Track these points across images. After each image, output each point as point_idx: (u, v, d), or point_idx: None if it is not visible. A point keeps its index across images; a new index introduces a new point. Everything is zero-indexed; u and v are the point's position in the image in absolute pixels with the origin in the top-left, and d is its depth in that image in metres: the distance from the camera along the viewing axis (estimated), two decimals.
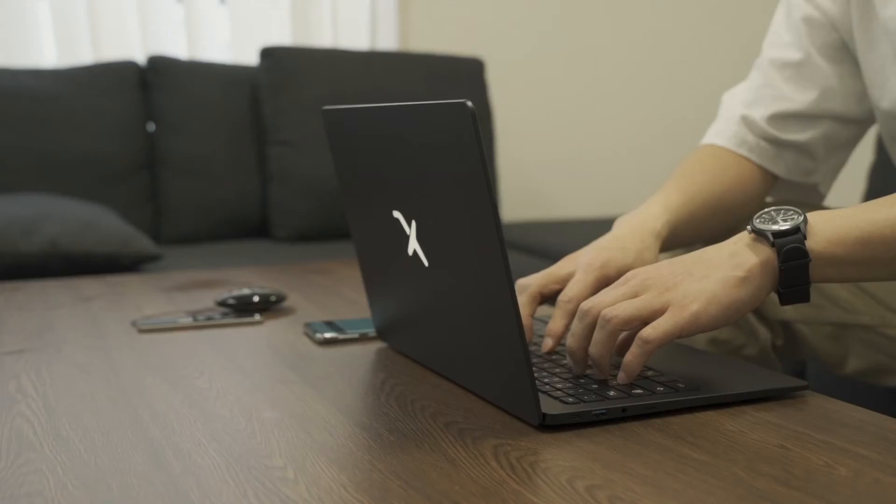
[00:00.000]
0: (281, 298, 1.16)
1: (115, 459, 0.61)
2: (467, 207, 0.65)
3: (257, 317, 1.09)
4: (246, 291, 1.14)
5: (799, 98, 1.07)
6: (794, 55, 1.07)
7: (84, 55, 2.50)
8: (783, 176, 1.10)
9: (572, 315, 0.81)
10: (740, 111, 1.10)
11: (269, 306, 1.14)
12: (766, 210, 0.77)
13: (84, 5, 2.48)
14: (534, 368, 0.78)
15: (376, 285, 0.92)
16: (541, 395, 0.70)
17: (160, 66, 2.37)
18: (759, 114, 1.08)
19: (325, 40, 2.79)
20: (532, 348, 0.86)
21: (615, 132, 3.20)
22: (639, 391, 0.71)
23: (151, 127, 2.38)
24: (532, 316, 0.88)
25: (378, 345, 0.95)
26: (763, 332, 1.07)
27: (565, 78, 3.13)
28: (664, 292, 0.74)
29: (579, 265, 0.89)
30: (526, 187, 3.08)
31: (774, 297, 1.06)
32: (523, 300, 0.88)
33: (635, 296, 0.74)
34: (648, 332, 0.71)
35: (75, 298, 1.24)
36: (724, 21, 3.25)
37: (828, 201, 1.17)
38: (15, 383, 0.81)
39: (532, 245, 2.36)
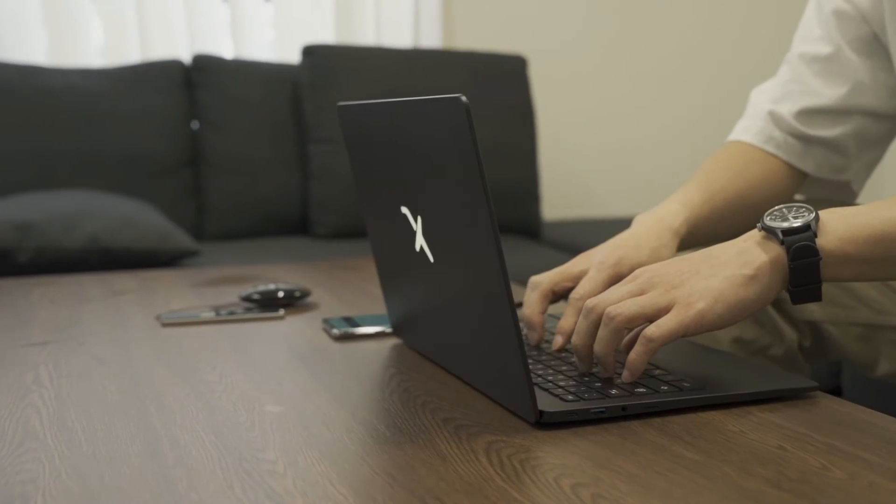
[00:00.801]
0: (305, 294, 1.16)
1: (113, 450, 0.62)
2: (464, 203, 0.65)
3: (280, 312, 1.09)
4: (270, 287, 1.15)
5: (828, 93, 1.04)
6: (824, 49, 1.04)
7: (132, 55, 2.54)
8: (812, 173, 1.08)
9: None
10: (767, 107, 1.08)
11: (293, 301, 1.15)
12: (777, 207, 0.76)
13: (132, 6, 2.53)
14: (540, 365, 0.77)
15: (390, 282, 0.92)
16: (542, 392, 0.70)
17: (204, 65, 2.40)
18: (787, 109, 1.06)
19: (369, 38, 2.80)
20: (543, 345, 0.85)
21: (659, 129, 3.16)
22: (642, 390, 0.70)
23: (196, 125, 2.41)
24: (543, 313, 0.87)
25: (393, 341, 0.95)
26: (789, 333, 1.05)
27: (608, 74, 3.10)
28: (670, 290, 0.72)
29: (593, 263, 0.88)
30: (568, 185, 3.06)
31: None
32: (535, 297, 0.87)
33: (641, 293, 0.73)
34: (652, 330, 0.70)
35: (107, 293, 1.27)
36: (769, 16, 3.19)
37: (864, 199, 1.15)
38: (33, 374, 0.83)
39: (574, 243, 2.35)
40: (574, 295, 0.84)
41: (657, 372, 0.75)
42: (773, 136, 1.06)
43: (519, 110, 2.61)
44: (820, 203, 1.01)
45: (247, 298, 1.14)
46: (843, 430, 0.64)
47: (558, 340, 0.81)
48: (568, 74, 3.05)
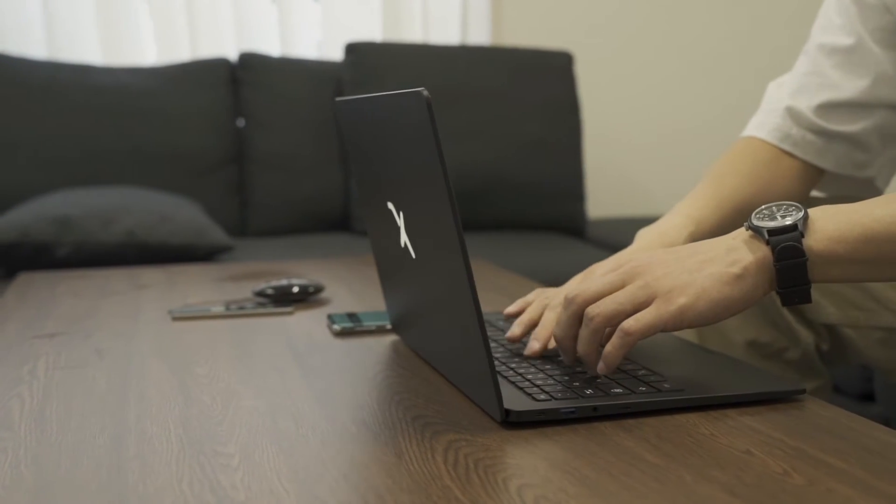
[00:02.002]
0: (319, 289, 1.17)
1: (79, 441, 0.63)
2: (430, 197, 0.64)
3: (289, 308, 1.10)
4: (283, 282, 1.16)
5: (849, 86, 1.01)
6: (845, 40, 1.01)
7: (182, 53, 2.59)
8: (832, 170, 1.04)
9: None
10: (785, 102, 1.04)
11: (306, 297, 1.15)
12: (766, 206, 0.73)
13: (183, 5, 2.57)
14: (525, 363, 0.76)
15: (386, 278, 0.92)
16: (515, 391, 0.69)
17: (250, 63, 2.43)
18: (806, 103, 1.03)
19: (416, 36, 2.81)
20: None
21: (706, 125, 3.09)
22: (618, 390, 0.69)
23: (241, 122, 2.44)
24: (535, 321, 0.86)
25: (392, 337, 0.94)
26: (805, 336, 1.01)
27: (655, 70, 3.05)
28: (651, 283, 0.70)
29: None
30: (613, 182, 3.02)
31: (819, 299, 1.01)
32: (534, 307, 0.85)
33: (622, 285, 0.71)
34: (630, 323, 0.68)
35: (131, 287, 1.29)
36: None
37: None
38: (31, 366, 0.84)
39: (619, 242, 2.31)
40: (552, 303, 0.82)
41: (641, 372, 0.74)
42: (789, 134, 1.03)
43: (564, 106, 2.58)
44: (825, 200, 0.98)
45: (260, 294, 1.15)
46: (818, 434, 0.62)
47: (534, 346, 0.79)
48: (614, 70, 3.00)
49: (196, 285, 1.29)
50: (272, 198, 2.40)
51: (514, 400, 0.66)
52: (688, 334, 1.07)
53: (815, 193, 1.08)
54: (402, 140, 0.68)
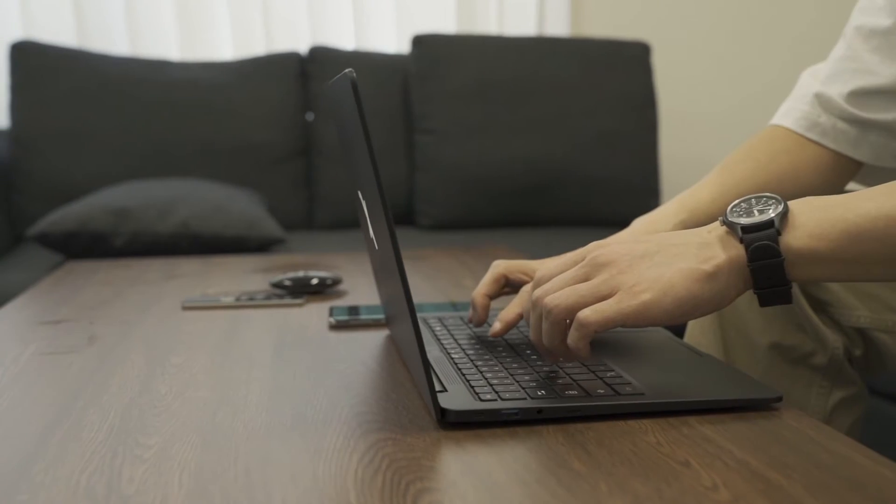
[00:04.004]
0: (336, 282, 1.15)
1: (14, 425, 0.63)
2: (367, 182, 0.62)
3: (300, 299, 1.09)
4: (301, 274, 1.15)
5: (886, 71, 0.93)
6: (885, 21, 0.93)
7: (257, 47, 2.62)
8: (869, 161, 0.96)
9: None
10: (814, 88, 0.97)
11: (323, 289, 1.14)
12: (745, 198, 0.68)
13: (258, 0, 2.61)
14: (491, 362, 0.73)
15: (374, 270, 0.89)
16: (466, 390, 0.65)
17: (320, 57, 2.44)
18: (837, 90, 0.95)
19: (491, 27, 2.77)
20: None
21: None
22: (573, 392, 0.64)
23: (310, 116, 2.45)
24: (489, 295, 0.83)
25: (386, 332, 0.92)
26: (834, 340, 0.94)
27: (734, 62, 2.92)
28: (616, 275, 0.65)
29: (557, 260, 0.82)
30: (689, 178, 2.90)
31: (849, 300, 0.94)
32: (486, 279, 0.83)
33: (587, 278, 0.67)
34: (587, 314, 0.63)
35: (163, 276, 1.30)
36: None
37: None
38: (18, 351, 0.85)
39: None
40: (523, 288, 0.78)
41: (609, 374, 0.69)
42: (818, 122, 0.96)
43: (640, 98, 2.50)
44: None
45: (277, 285, 1.14)
46: (772, 447, 0.56)
47: (496, 327, 0.77)
48: (693, 61, 2.90)
49: (226, 276, 1.30)
50: (338, 191, 2.41)
51: (457, 399, 0.63)
52: (711, 336, 1.01)
53: (852, 186, 1.00)
54: (347, 126, 0.65)
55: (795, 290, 0.93)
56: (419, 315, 0.93)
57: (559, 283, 0.68)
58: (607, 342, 0.80)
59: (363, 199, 0.73)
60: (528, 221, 2.38)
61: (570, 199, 2.41)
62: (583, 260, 0.69)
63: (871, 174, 0.99)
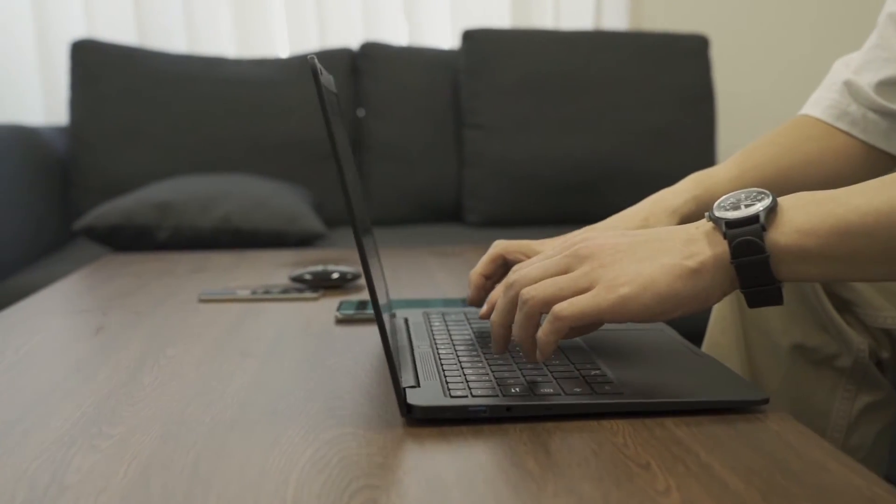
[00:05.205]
0: (357, 276, 1.15)
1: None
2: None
3: (315, 294, 1.08)
4: (320, 268, 1.15)
5: None
6: None
7: (311, 44, 2.64)
8: None
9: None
10: (844, 76, 0.92)
11: (343, 284, 1.14)
12: (735, 193, 0.65)
13: None
14: (474, 356, 0.71)
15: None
16: (439, 385, 0.63)
17: (370, 53, 2.44)
18: (867, 79, 0.90)
19: (547, 21, 2.74)
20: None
21: None
22: (549, 390, 0.62)
23: (361, 112, 2.45)
24: (485, 275, 0.81)
25: None
26: (859, 341, 0.89)
27: (797, 56, 2.82)
28: (597, 269, 0.63)
29: (555, 242, 0.80)
30: None
31: (876, 299, 0.89)
32: (483, 258, 0.81)
33: (567, 270, 0.64)
34: (563, 307, 0.61)
35: (192, 269, 1.31)
36: None
37: None
38: (23, 340, 0.86)
39: None
40: (514, 268, 0.76)
41: (594, 373, 0.66)
42: (847, 112, 0.91)
43: (697, 93, 2.44)
44: None
45: (297, 279, 1.14)
46: (743, 451, 0.53)
47: (484, 308, 0.75)
48: (753, 54, 2.81)
49: (254, 270, 1.30)
50: (387, 187, 2.41)
51: (426, 395, 0.61)
52: (733, 336, 0.97)
53: None
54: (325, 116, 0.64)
55: (817, 288, 0.88)
56: (426, 310, 0.92)
57: (538, 272, 0.65)
58: (604, 339, 0.77)
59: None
60: (577, 219, 2.34)
61: (621, 196, 2.35)
62: (562, 252, 0.66)
63: None
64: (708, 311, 0.99)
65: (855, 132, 0.91)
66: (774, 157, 0.88)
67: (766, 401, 0.61)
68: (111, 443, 0.57)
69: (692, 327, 1.00)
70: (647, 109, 2.39)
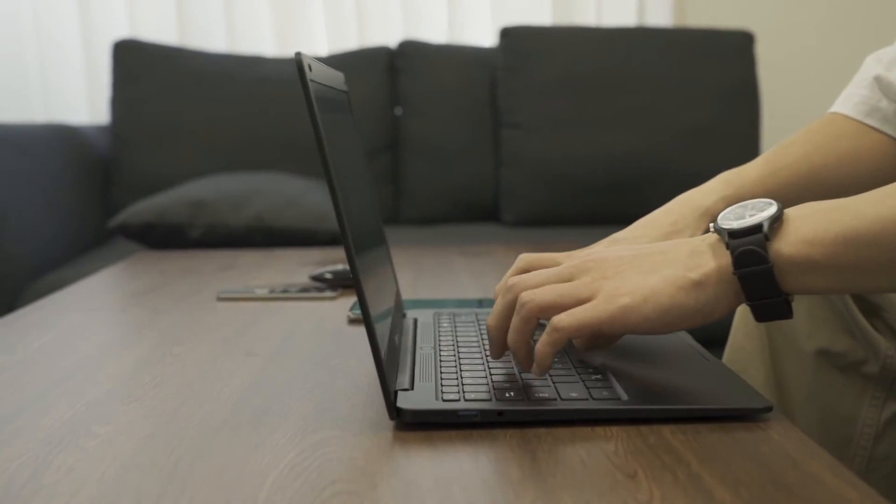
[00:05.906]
0: None
1: None
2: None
3: (333, 293, 1.07)
4: (340, 268, 1.14)
5: None
6: None
7: (350, 42, 2.64)
8: None
9: None
10: (875, 71, 0.89)
11: None
12: (741, 203, 0.63)
13: None
14: (475, 360, 0.69)
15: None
16: (432, 389, 0.62)
17: (408, 51, 2.43)
18: None
19: (589, 18, 2.70)
20: None
21: None
22: (544, 395, 0.60)
23: (399, 111, 2.45)
24: None
25: None
26: (887, 347, 0.86)
27: (843, 54, 2.75)
28: (599, 279, 0.61)
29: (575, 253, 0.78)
30: None
31: None
32: (509, 272, 0.79)
33: (569, 279, 0.63)
34: (561, 318, 0.59)
35: (218, 268, 1.32)
36: None
37: None
38: (35, 336, 0.87)
39: None
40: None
41: (593, 378, 0.64)
42: (878, 108, 0.88)
43: (741, 90, 2.39)
44: None
45: (317, 278, 1.13)
46: (737, 461, 0.51)
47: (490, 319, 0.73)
48: (799, 51, 2.74)
49: (280, 268, 1.30)
50: (424, 186, 2.40)
51: (417, 399, 0.60)
52: (757, 341, 0.95)
53: None
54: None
55: None
56: (437, 311, 0.90)
57: (539, 278, 0.64)
58: (616, 342, 0.75)
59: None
60: (615, 219, 2.30)
61: (661, 197, 2.31)
62: (566, 262, 0.65)
63: None
64: (731, 316, 0.96)
65: (886, 129, 0.87)
66: (806, 155, 0.85)
67: (769, 409, 0.58)
68: (97, 442, 0.57)
69: (715, 332, 0.97)
70: (689, 107, 2.34)
